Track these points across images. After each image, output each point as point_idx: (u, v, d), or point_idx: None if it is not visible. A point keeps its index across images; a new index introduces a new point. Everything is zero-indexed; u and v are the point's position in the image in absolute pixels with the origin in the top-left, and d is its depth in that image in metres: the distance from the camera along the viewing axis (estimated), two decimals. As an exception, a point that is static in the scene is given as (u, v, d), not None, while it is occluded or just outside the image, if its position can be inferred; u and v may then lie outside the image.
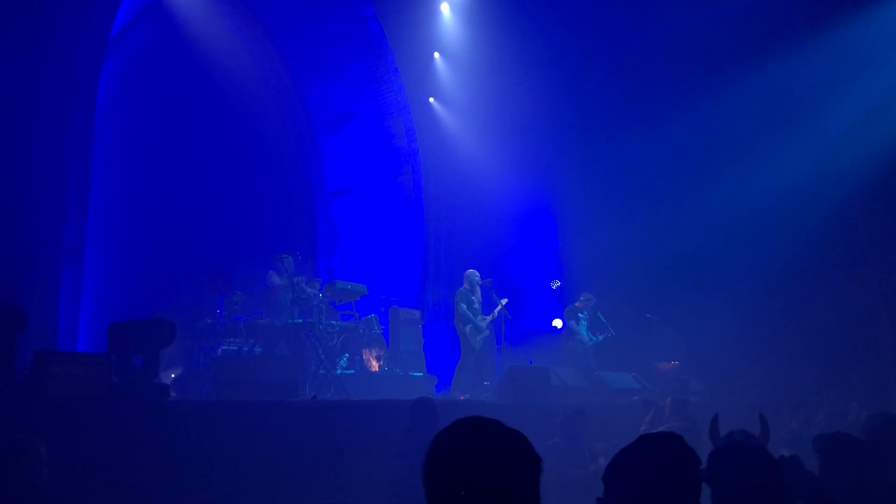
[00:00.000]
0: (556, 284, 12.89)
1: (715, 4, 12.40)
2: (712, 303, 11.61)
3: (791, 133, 11.70)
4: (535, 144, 13.85)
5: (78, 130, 8.11)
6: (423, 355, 11.58)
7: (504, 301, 10.23)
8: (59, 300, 7.64)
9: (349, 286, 10.09)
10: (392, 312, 11.46)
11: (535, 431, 1.71)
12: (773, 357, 11.16)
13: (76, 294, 7.96)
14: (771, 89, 11.83)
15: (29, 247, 7.49)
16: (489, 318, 10.10)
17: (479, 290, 10.17)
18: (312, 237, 14.26)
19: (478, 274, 10.21)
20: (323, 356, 9.13)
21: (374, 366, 10.67)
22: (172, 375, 8.61)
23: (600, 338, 11.48)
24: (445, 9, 13.23)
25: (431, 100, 13.48)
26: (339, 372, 9.48)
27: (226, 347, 9.43)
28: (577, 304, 11.73)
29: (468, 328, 9.83)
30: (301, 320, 9.40)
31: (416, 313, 11.93)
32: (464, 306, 9.90)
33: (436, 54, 13.47)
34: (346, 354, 10.28)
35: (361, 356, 10.52)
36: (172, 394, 6.42)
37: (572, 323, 11.53)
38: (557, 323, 12.28)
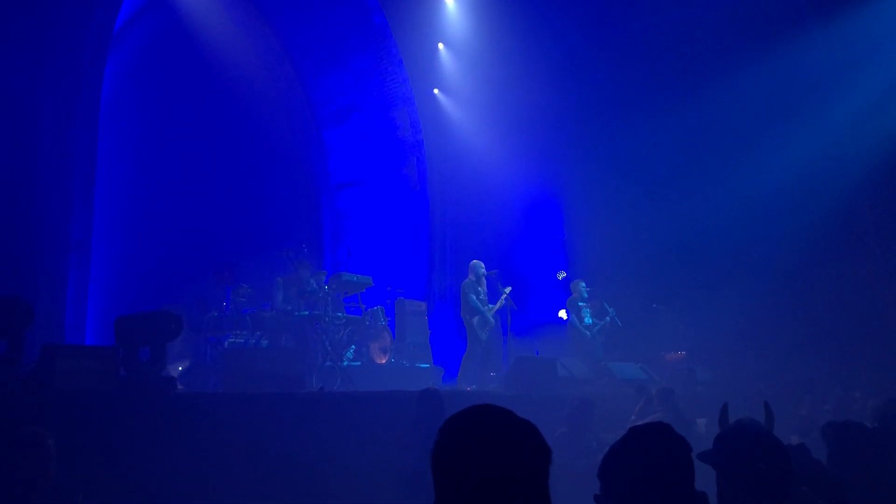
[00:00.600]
0: (562, 275, 12.86)
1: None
2: (719, 293, 11.57)
3: (798, 122, 11.60)
4: (540, 135, 13.77)
5: (83, 125, 8.13)
6: (430, 347, 11.58)
7: (508, 289, 10.21)
8: (67, 294, 7.67)
9: (355, 278, 10.09)
10: (398, 304, 11.48)
11: (541, 422, 1.70)
12: (780, 347, 11.11)
13: (83, 288, 7.99)
14: (778, 78, 11.73)
15: (36, 241, 7.52)
16: (495, 307, 10.09)
17: (484, 280, 10.16)
18: (318, 230, 14.28)
19: (482, 265, 10.19)
20: (329, 348, 9.16)
21: (381, 358, 10.69)
22: (180, 368, 8.63)
23: (600, 323, 11.33)
24: (449, -1, 13.19)
25: (436, 91, 13.44)
26: (345, 364, 9.50)
27: (232, 340, 9.46)
28: (573, 294, 11.66)
29: (476, 319, 9.83)
30: (307, 312, 9.43)
31: (423, 305, 11.94)
32: (473, 297, 9.89)
33: (440, 45, 13.42)
34: (353, 346, 10.31)
35: (368, 348, 10.54)
36: (179, 386, 6.46)
37: (572, 315, 11.48)
38: (563, 314, 12.25)
